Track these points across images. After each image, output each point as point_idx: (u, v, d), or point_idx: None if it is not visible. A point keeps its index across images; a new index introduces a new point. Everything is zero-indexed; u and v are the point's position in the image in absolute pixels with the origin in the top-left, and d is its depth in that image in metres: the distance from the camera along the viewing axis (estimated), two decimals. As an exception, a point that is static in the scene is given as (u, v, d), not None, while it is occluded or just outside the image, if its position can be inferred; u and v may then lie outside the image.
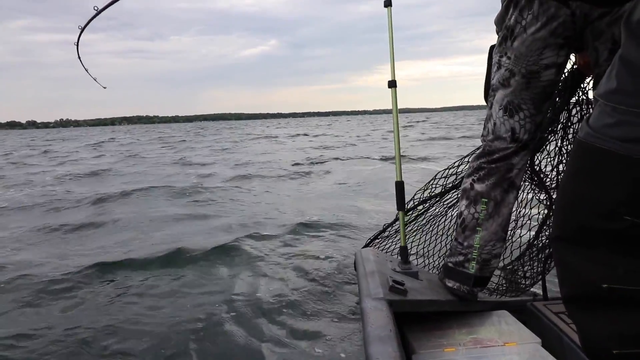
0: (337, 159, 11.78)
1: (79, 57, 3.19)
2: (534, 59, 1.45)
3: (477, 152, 1.72)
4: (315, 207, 5.49)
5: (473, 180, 1.65)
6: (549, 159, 1.93)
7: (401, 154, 1.86)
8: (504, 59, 1.52)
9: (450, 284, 1.71)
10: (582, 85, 1.80)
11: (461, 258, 1.67)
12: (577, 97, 1.85)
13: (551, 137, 1.89)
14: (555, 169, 1.95)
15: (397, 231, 2.49)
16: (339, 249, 3.77)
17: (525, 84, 1.50)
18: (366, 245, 2.62)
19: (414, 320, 1.62)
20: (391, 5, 1.76)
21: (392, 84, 1.80)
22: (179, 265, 3.48)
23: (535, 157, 1.93)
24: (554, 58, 1.45)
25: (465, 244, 1.66)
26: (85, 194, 6.99)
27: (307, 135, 27.28)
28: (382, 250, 2.54)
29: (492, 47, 1.59)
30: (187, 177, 9.02)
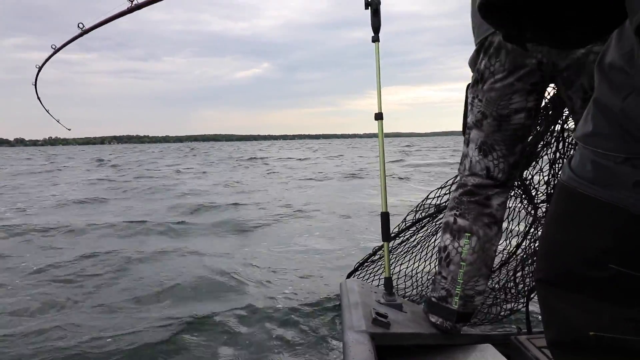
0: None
1: (38, 98, 3.19)
2: (504, 103, 1.49)
3: (455, 185, 1.74)
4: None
5: (455, 214, 1.66)
6: (541, 174, 1.92)
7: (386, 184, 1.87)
8: (476, 100, 1.56)
9: (433, 319, 1.69)
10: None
11: (444, 293, 1.66)
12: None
13: (543, 151, 1.89)
14: (546, 184, 1.93)
15: (380, 258, 2.49)
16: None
17: (497, 126, 1.54)
18: (350, 275, 2.60)
19: (397, 353, 1.60)
20: (379, 41, 1.80)
21: (379, 117, 1.82)
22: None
23: (527, 171, 1.93)
24: (523, 103, 1.49)
25: (449, 278, 1.65)
26: None
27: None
28: (367, 279, 2.53)
29: (468, 86, 1.63)
30: None
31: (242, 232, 5.69)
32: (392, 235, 2.15)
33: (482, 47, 1.50)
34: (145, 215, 6.82)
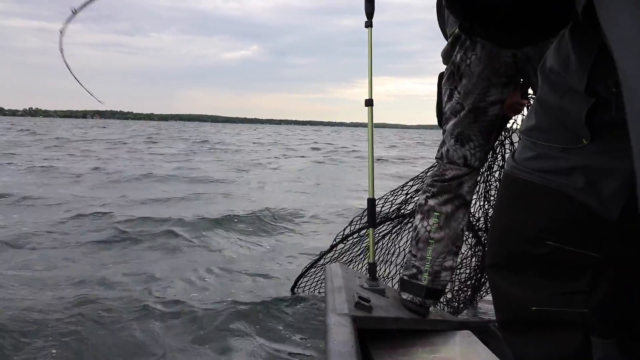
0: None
1: (66, 64, 3.07)
2: (481, 96, 1.53)
3: (432, 171, 1.79)
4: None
5: (427, 196, 1.72)
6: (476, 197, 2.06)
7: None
8: (454, 92, 1.60)
9: (405, 296, 1.75)
10: (506, 126, 1.91)
11: (414, 270, 1.73)
12: (501, 138, 1.98)
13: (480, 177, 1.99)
14: (484, 203, 2.16)
15: (353, 245, 2.52)
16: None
17: (474, 117, 1.58)
18: (325, 254, 2.62)
19: (378, 337, 1.63)
20: (372, 26, 1.78)
21: (369, 103, 1.82)
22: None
23: None
24: (499, 95, 1.54)
25: (419, 256, 1.71)
26: None
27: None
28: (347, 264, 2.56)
29: (441, 75, 1.66)
30: None
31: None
32: (378, 221, 2.18)
33: (458, 40, 1.53)
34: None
